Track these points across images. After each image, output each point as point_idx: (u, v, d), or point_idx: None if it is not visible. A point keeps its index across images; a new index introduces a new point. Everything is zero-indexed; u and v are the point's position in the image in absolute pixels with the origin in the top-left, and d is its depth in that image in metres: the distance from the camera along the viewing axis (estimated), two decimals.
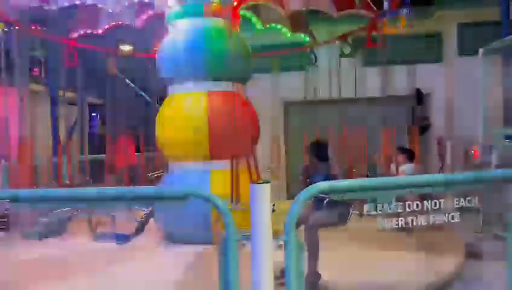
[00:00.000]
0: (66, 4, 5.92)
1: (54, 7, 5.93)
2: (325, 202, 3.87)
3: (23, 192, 2.31)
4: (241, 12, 6.60)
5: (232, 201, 4.64)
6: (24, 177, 5.10)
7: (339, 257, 4.73)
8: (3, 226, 6.34)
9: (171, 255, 5.27)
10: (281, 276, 2.30)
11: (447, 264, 4.63)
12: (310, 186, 2.29)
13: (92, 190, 2.36)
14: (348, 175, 6.28)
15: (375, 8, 6.31)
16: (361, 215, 2.59)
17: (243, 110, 5.90)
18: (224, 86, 5.85)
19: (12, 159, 5.44)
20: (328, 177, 4.33)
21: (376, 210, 2.46)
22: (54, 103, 11.83)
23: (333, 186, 2.30)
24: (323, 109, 9.25)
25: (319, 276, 4.06)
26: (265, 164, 8.16)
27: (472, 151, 7.11)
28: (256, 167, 5.15)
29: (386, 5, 5.71)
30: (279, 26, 7.77)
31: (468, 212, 3.07)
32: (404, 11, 5.53)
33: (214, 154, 5.70)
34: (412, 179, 2.78)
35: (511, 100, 7.95)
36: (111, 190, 2.25)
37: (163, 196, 2.08)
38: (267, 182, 2.10)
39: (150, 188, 2.17)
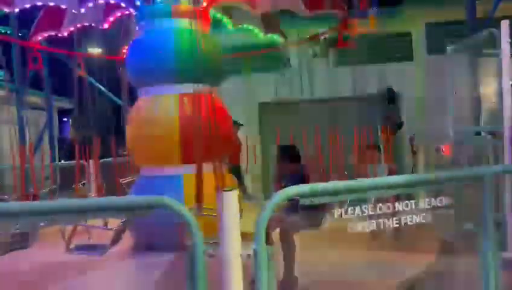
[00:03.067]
0: (27, 6, 5.67)
1: (15, 9, 5.69)
2: (299, 204, 3.82)
3: None
4: (212, 13, 6.52)
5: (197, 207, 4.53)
6: None
7: (315, 259, 4.69)
8: None
9: (141, 264, 5.11)
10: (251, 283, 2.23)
11: (421, 261, 4.66)
12: (280, 191, 2.23)
13: (53, 203, 2.23)
14: (324, 176, 6.28)
15: (345, 8, 6.33)
16: (341, 215, 2.57)
17: (215, 112, 5.80)
18: (196, 88, 5.72)
19: None
20: (301, 178, 4.30)
21: (347, 213, 2.42)
22: (21, 108, 11.43)
23: (303, 190, 2.24)
24: (298, 109, 9.24)
25: (295, 279, 4.01)
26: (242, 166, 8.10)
27: (443, 149, 7.23)
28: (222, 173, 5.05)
29: (355, 4, 5.74)
30: (251, 27, 7.71)
31: (441, 209, 3.08)
32: (373, 10, 5.57)
33: (185, 158, 5.57)
34: (384, 181, 2.75)
35: (478, 97, 8.13)
36: (73, 201, 2.12)
37: (127, 207, 1.97)
38: (234, 189, 2.02)
39: (113, 198, 2.06)
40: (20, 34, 9.95)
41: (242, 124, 8.86)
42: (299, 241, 4.09)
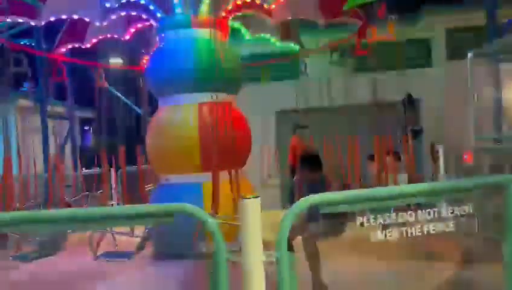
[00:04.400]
0: (53, 19, 5.86)
1: (41, 22, 5.88)
2: (320, 212, 3.82)
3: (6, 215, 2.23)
4: (230, 23, 6.61)
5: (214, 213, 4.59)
6: (11, 196, 4.98)
7: (339, 267, 4.67)
8: None
9: (162, 271, 5.17)
10: None
11: (445, 270, 4.59)
12: (301, 199, 2.24)
13: (77, 211, 2.29)
14: (342, 184, 6.24)
15: (363, 16, 6.34)
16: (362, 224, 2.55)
17: (234, 121, 5.86)
18: (215, 97, 5.80)
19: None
20: (323, 187, 4.30)
21: (370, 221, 2.41)
22: (44, 117, 11.73)
23: (324, 199, 2.25)
24: (315, 117, 9.22)
25: (325, 287, 3.99)
26: (256, 174, 8.12)
27: (465, 156, 7.10)
28: (237, 181, 5.10)
29: (373, 12, 5.74)
30: (268, 36, 7.78)
31: (464, 217, 3.03)
32: (392, 18, 5.55)
33: (205, 166, 5.63)
34: (405, 189, 2.74)
35: (500, 102, 7.99)
36: (96, 209, 2.18)
37: (150, 214, 2.02)
38: (256, 197, 2.05)
39: (136, 206, 2.11)
40: (44, 46, 10.27)
41: (307, 126, 8.56)
42: (324, 250, 4.07)
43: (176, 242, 5.18)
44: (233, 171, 4.93)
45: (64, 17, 6.11)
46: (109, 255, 4.65)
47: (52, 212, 2.74)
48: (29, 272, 5.01)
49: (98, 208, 2.21)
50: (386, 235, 2.56)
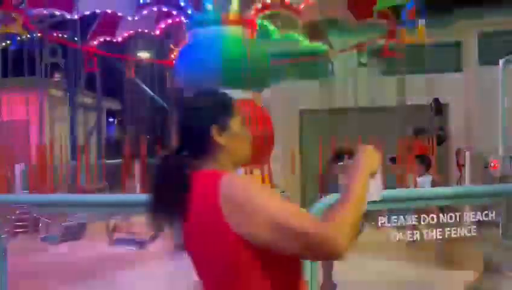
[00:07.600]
0: (87, 13, 6.04)
1: (75, 16, 6.07)
2: None
3: (41, 197, 2.35)
4: (259, 21, 6.66)
5: None
6: (43, 181, 5.17)
7: (354, 269, 4.66)
8: (24, 229, 6.40)
9: (182, 261, 5.25)
10: None
11: (465, 277, 4.53)
12: (331, 195, 2.25)
13: (105, 196, 2.39)
14: None
15: (393, 18, 6.29)
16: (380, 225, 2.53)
17: (258, 118, 5.91)
18: (241, 94, 5.85)
19: (31, 162, 5.52)
20: None
21: (391, 222, 2.43)
22: (73, 107, 12.05)
23: None
24: (340, 118, 9.19)
25: (333, 286, 4.02)
26: (279, 173, 8.13)
27: (492, 163, 6.96)
28: (270, 176, 5.13)
29: (403, 14, 5.69)
30: (296, 35, 7.79)
31: (487, 225, 3.00)
32: (422, 20, 5.49)
33: None
34: (430, 192, 2.73)
35: None
36: (124, 196, 2.27)
37: None
38: (281, 192, 2.09)
39: None
40: (75, 39, 10.55)
41: (424, 129, 8.20)
42: None
43: None
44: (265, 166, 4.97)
45: (98, 11, 6.28)
46: (123, 241, 4.76)
47: (81, 196, 2.87)
48: (59, 254, 5.15)
49: (125, 195, 2.30)
50: (404, 237, 2.56)
